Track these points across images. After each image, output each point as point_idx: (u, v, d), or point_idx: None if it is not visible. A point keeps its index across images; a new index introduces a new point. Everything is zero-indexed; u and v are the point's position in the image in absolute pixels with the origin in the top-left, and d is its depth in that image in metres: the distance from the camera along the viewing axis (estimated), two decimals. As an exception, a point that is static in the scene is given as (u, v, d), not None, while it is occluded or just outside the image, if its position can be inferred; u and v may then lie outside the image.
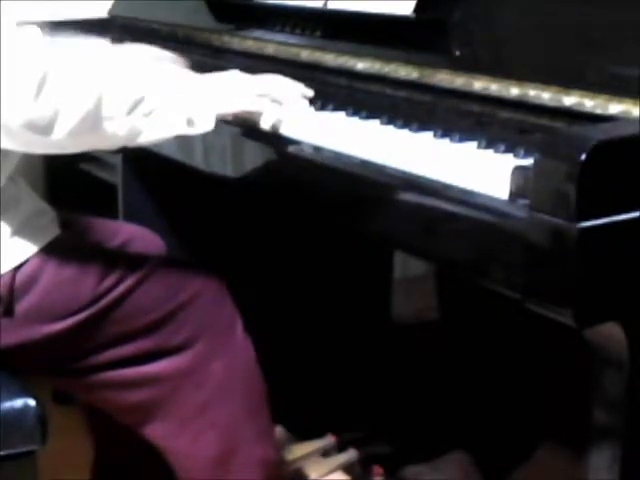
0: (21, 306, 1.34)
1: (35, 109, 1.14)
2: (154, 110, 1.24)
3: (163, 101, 1.25)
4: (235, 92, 1.35)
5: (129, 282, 1.39)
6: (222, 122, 1.48)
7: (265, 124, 1.38)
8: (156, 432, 1.45)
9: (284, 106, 1.39)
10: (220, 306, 1.47)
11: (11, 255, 1.33)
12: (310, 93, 1.43)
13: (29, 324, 1.34)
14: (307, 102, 1.42)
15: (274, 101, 1.38)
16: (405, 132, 1.28)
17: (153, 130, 1.25)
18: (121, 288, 1.39)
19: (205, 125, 1.30)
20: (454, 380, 1.89)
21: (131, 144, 1.27)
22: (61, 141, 1.19)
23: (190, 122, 1.28)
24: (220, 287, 1.48)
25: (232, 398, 1.45)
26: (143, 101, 1.23)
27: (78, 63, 1.21)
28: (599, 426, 1.12)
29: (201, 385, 1.43)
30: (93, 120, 1.19)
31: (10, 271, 1.33)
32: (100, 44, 1.38)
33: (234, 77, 1.37)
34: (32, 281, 1.34)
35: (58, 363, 1.40)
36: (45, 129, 1.16)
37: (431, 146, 1.22)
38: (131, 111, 1.22)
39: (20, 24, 1.17)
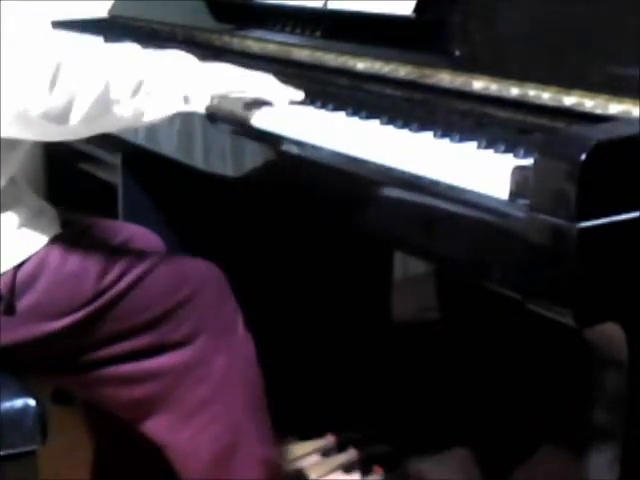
0: (22, 304, 1.34)
1: (51, 99, 1.19)
2: (154, 90, 1.30)
3: (160, 81, 1.31)
4: (227, 74, 1.41)
5: (129, 279, 1.40)
6: (222, 122, 1.49)
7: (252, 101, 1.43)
8: (157, 428, 1.45)
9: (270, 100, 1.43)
10: (221, 303, 1.47)
11: (12, 254, 1.33)
12: (300, 96, 1.44)
13: (30, 322, 1.35)
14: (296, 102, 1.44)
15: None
16: (405, 132, 1.28)
17: (155, 109, 1.31)
18: (122, 285, 1.39)
19: (201, 102, 1.36)
20: (454, 380, 1.89)
21: (137, 125, 1.34)
22: (75, 127, 1.24)
23: (186, 99, 1.34)
24: (221, 284, 1.48)
25: (233, 395, 1.45)
26: (144, 83, 1.29)
27: (85, 53, 1.26)
28: (599, 426, 1.12)
29: (202, 381, 1.43)
30: (103, 104, 1.25)
31: (11, 269, 1.33)
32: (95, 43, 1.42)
33: (227, 65, 1.43)
34: (33, 279, 1.34)
35: (59, 360, 1.40)
36: (61, 117, 1.21)
37: (431, 146, 1.22)
38: (135, 93, 1.28)
39: (29, 20, 1.21)
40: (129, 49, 1.35)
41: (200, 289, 1.45)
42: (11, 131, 1.23)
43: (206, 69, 1.39)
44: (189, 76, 1.35)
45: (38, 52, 1.18)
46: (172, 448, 1.47)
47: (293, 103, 1.43)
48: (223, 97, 1.42)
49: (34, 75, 1.17)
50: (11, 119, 1.19)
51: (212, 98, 1.38)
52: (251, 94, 1.43)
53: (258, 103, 1.43)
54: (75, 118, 1.22)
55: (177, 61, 1.37)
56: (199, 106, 1.37)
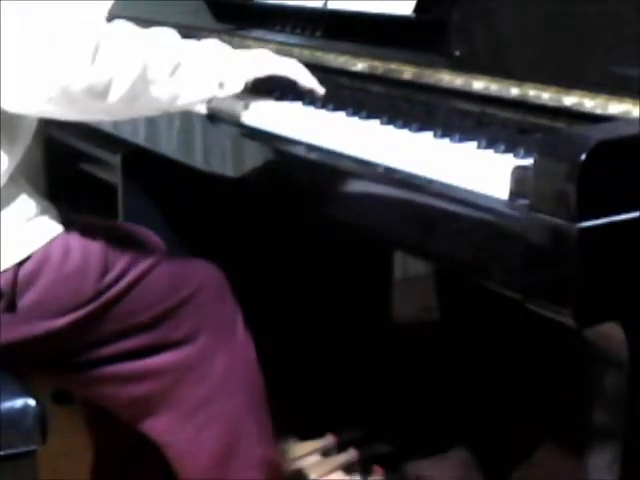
0: (23, 302, 1.34)
1: (92, 74, 1.21)
2: (189, 74, 1.33)
3: (196, 66, 1.35)
4: (261, 59, 1.46)
5: (130, 278, 1.40)
6: (222, 122, 1.49)
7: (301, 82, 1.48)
8: (156, 427, 1.46)
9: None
10: (221, 302, 1.47)
11: (13, 251, 1.33)
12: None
13: (31, 320, 1.35)
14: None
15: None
16: (405, 132, 1.28)
17: (189, 93, 1.34)
18: (122, 284, 1.39)
19: (235, 87, 1.40)
20: (454, 380, 1.89)
21: (172, 108, 1.36)
22: (115, 105, 1.25)
23: (221, 85, 1.38)
24: (221, 283, 1.49)
25: (233, 394, 1.45)
26: (180, 66, 1.32)
27: (124, 32, 1.28)
28: (599, 426, 1.12)
29: (202, 380, 1.43)
30: (142, 84, 1.27)
31: (12, 267, 1.33)
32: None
33: (259, 51, 1.49)
34: (34, 277, 1.34)
35: (60, 358, 1.41)
36: (102, 93, 1.23)
37: (431, 146, 1.22)
38: (171, 76, 1.31)
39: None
40: (167, 32, 1.37)
41: (200, 289, 1.45)
42: (53, 108, 1.24)
43: (239, 55, 1.43)
44: (224, 61, 1.39)
45: (79, 29, 1.20)
46: (172, 448, 1.47)
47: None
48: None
49: (76, 51, 1.19)
50: (54, 95, 1.20)
51: (246, 83, 1.41)
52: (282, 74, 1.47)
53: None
54: (115, 95, 1.24)
55: (212, 47, 1.40)
56: (232, 91, 1.40)
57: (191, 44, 1.38)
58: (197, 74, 1.35)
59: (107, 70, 1.22)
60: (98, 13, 1.27)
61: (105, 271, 1.39)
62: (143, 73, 1.27)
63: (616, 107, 1.14)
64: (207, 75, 1.36)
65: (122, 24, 1.30)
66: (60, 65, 1.18)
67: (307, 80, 1.47)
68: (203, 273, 1.48)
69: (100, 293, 1.38)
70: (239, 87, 1.41)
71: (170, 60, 1.31)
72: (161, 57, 1.30)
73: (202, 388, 1.44)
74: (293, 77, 1.47)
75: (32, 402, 1.31)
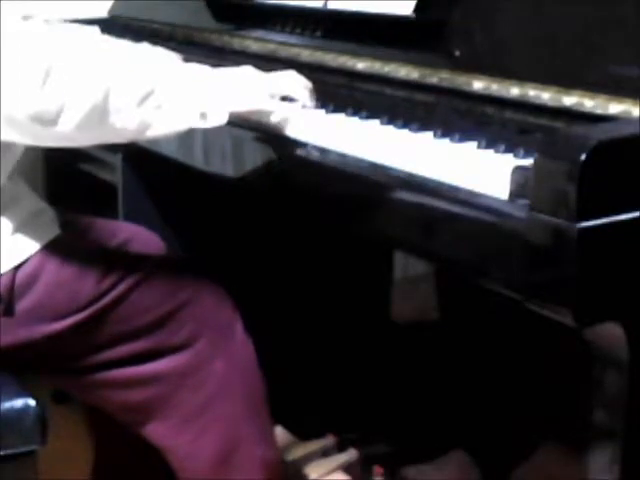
0: (21, 306, 1.34)
1: (40, 101, 1.14)
2: (164, 103, 1.22)
3: (174, 94, 1.23)
4: (248, 90, 1.33)
5: (129, 282, 1.39)
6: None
7: (274, 123, 1.37)
8: (156, 432, 1.45)
9: (295, 103, 1.38)
10: (220, 305, 1.47)
11: (11, 254, 1.33)
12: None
13: (29, 324, 1.34)
14: (315, 100, 1.40)
15: (285, 98, 1.37)
16: (405, 132, 1.28)
17: (163, 123, 1.23)
18: (121, 288, 1.39)
19: (218, 119, 1.27)
20: (454, 380, 1.89)
21: (141, 137, 1.25)
22: (69, 133, 1.18)
23: (203, 115, 1.26)
24: (219, 287, 1.48)
25: (232, 397, 1.45)
26: (153, 94, 1.21)
27: (86, 55, 1.20)
28: (599, 426, 1.12)
29: (201, 384, 1.43)
30: (100, 113, 1.18)
31: (10, 270, 1.33)
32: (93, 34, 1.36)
33: (247, 74, 1.34)
34: (32, 281, 1.34)
35: (59, 362, 1.40)
36: (51, 121, 1.16)
37: (431, 146, 1.22)
38: (140, 104, 1.20)
39: (26, 17, 1.18)
40: (150, 54, 1.28)
41: (198, 293, 1.44)
42: (5, 134, 1.20)
43: (226, 80, 1.30)
44: (207, 88, 1.27)
45: (29, 51, 1.14)
46: (172, 451, 1.47)
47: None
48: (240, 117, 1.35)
49: (23, 74, 1.13)
50: (2, 122, 1.16)
51: (230, 116, 1.29)
52: (267, 113, 1.36)
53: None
54: (67, 124, 1.16)
55: (196, 73, 1.29)
56: (215, 123, 1.28)
57: (176, 68, 1.29)
58: (174, 104, 1.23)
59: (58, 97, 1.14)
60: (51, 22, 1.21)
61: (103, 275, 1.38)
62: (104, 101, 1.17)
63: (616, 107, 1.14)
64: (186, 105, 1.24)
65: (98, 39, 1.24)
66: (5, 91, 1.13)
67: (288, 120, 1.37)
68: (201, 277, 1.47)
69: (98, 297, 1.37)
70: (223, 119, 1.28)
71: (141, 87, 1.20)
72: (130, 84, 1.20)
73: (201, 393, 1.43)
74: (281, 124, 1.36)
75: (32, 402, 1.31)
